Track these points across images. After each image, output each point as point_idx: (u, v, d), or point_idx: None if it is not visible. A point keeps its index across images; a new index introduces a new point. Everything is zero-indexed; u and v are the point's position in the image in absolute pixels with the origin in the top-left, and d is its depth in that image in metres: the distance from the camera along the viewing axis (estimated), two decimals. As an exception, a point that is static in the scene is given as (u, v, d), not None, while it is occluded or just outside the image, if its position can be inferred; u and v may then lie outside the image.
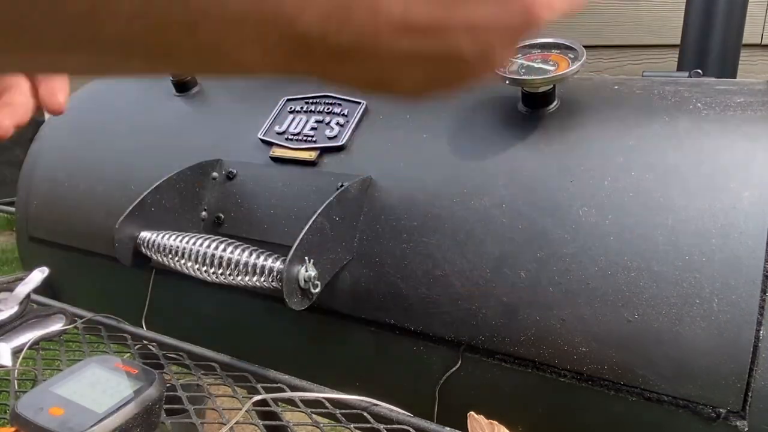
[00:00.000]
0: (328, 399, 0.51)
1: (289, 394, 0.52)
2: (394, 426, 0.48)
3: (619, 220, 0.48)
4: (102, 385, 0.45)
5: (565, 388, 0.50)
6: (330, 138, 0.65)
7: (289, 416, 0.52)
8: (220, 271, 0.56)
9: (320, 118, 0.67)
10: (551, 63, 0.54)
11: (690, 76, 0.63)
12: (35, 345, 0.60)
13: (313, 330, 0.63)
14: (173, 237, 0.60)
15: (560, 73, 0.52)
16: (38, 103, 0.44)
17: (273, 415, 0.52)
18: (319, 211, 0.54)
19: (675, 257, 0.46)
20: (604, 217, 0.49)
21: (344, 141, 0.64)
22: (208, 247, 0.57)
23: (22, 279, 0.68)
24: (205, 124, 0.76)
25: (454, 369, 0.54)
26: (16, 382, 0.54)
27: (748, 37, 0.80)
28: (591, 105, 0.56)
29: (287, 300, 0.51)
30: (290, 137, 0.67)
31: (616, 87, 0.58)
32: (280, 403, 0.52)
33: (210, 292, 0.69)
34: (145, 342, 0.63)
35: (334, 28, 0.21)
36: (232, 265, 0.55)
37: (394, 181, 0.59)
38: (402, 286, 0.56)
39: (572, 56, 0.54)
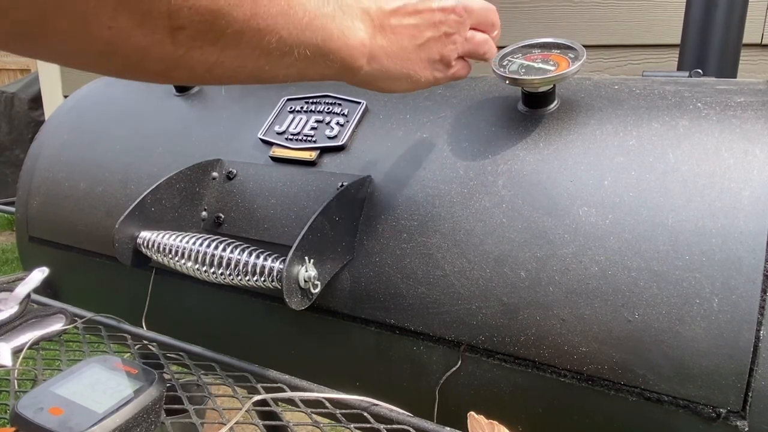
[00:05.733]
0: (328, 399, 0.51)
1: (289, 394, 0.52)
2: (394, 426, 0.48)
3: (619, 220, 0.48)
4: (102, 385, 0.45)
5: (565, 388, 0.50)
6: (330, 138, 0.65)
7: (289, 416, 0.52)
8: (220, 271, 0.56)
9: (320, 117, 0.67)
10: (551, 63, 0.54)
11: (690, 76, 0.63)
12: (35, 345, 0.60)
13: (313, 330, 0.63)
14: (173, 237, 0.60)
15: (560, 73, 0.52)
16: None
17: (273, 415, 0.52)
18: (319, 211, 0.54)
19: (675, 257, 0.46)
20: (604, 217, 0.49)
21: (344, 141, 0.64)
22: (208, 247, 0.57)
23: (22, 279, 0.68)
24: (205, 124, 0.76)
25: (454, 369, 0.54)
26: (16, 382, 0.54)
27: (748, 37, 0.80)
28: (591, 105, 0.56)
29: (287, 300, 0.51)
30: (290, 137, 0.67)
31: (616, 87, 0.58)
32: (280, 403, 0.52)
33: (210, 292, 0.69)
34: (145, 342, 0.63)
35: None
36: (232, 265, 0.55)
37: (394, 181, 0.59)
38: (402, 286, 0.56)
39: (572, 56, 0.54)
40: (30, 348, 0.59)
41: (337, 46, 0.39)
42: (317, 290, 0.54)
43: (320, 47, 0.38)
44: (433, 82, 0.50)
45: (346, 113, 0.66)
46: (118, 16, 0.27)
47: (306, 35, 0.36)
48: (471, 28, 0.51)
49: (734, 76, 0.78)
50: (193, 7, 0.29)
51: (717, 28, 0.75)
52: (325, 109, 0.68)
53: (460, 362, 0.54)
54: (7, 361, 0.56)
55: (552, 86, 0.55)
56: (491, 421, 0.46)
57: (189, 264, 0.57)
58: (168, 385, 0.49)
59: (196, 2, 0.29)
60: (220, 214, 0.67)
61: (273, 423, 0.53)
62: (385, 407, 0.50)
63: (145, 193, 0.62)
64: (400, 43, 0.46)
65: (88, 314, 0.67)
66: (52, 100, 2.26)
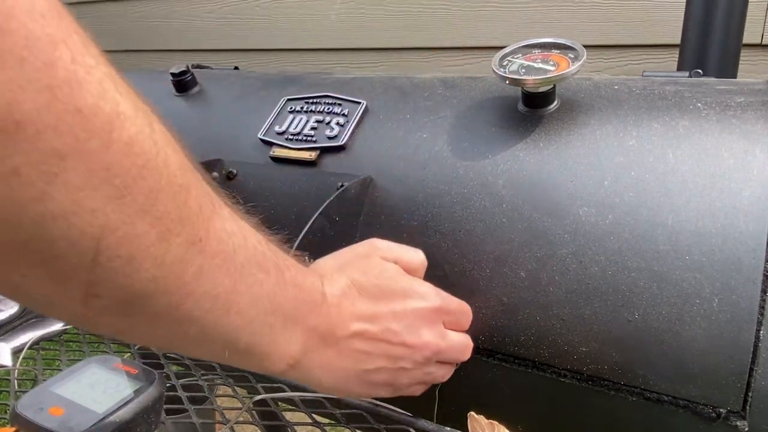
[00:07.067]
0: (328, 399, 0.51)
1: (289, 394, 0.52)
2: (394, 426, 0.48)
3: (619, 220, 0.48)
4: (102, 385, 0.45)
5: (565, 388, 0.50)
6: (330, 138, 0.65)
7: (289, 416, 0.52)
8: (220, 271, 0.56)
9: (320, 118, 0.67)
10: (551, 63, 0.54)
11: (690, 76, 0.63)
12: (35, 345, 0.60)
13: (313, 330, 0.62)
14: (173, 237, 0.60)
15: (560, 73, 0.52)
16: None
17: (273, 415, 0.52)
18: (319, 211, 0.54)
19: (675, 257, 0.46)
20: (604, 217, 0.49)
21: (344, 141, 0.64)
22: (208, 247, 0.57)
23: (22, 279, 0.67)
24: (205, 124, 0.76)
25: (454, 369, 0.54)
26: (16, 382, 0.54)
27: (748, 37, 0.79)
28: (591, 105, 0.56)
29: (287, 300, 0.51)
30: (290, 137, 0.67)
31: (616, 87, 0.58)
32: (280, 403, 0.52)
33: (210, 292, 0.69)
34: (145, 342, 0.63)
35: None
36: (232, 265, 0.55)
37: (394, 181, 0.59)
38: (402, 286, 0.56)
39: (572, 56, 0.54)
40: (30, 348, 0.59)
41: (259, 352, 0.36)
42: (317, 290, 0.54)
43: (240, 350, 0.35)
44: (373, 396, 0.46)
45: (346, 113, 0.66)
46: (34, 268, 0.25)
47: (231, 336, 0.34)
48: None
49: (734, 76, 0.78)
50: (117, 286, 0.27)
51: (717, 28, 0.75)
52: (325, 109, 0.68)
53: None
54: (7, 361, 0.56)
55: (552, 86, 0.55)
56: (491, 421, 0.46)
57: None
58: (168, 385, 0.49)
59: (123, 281, 0.27)
60: (220, 214, 0.67)
61: (273, 423, 0.53)
62: (385, 407, 0.50)
63: (145, 193, 0.62)
64: (341, 363, 0.41)
65: (88, 314, 0.67)
66: (52, 100, 2.26)
